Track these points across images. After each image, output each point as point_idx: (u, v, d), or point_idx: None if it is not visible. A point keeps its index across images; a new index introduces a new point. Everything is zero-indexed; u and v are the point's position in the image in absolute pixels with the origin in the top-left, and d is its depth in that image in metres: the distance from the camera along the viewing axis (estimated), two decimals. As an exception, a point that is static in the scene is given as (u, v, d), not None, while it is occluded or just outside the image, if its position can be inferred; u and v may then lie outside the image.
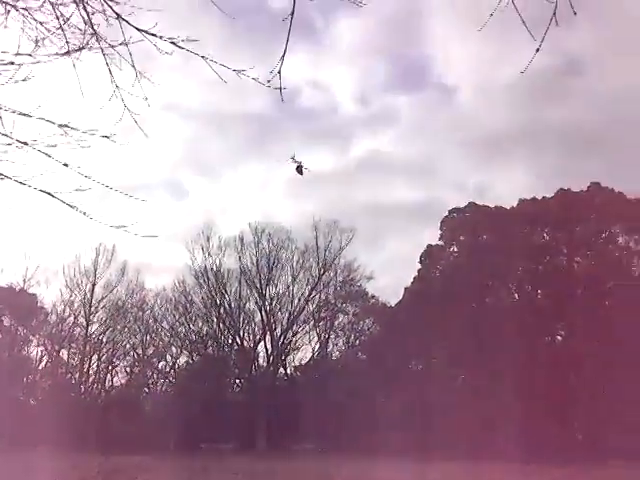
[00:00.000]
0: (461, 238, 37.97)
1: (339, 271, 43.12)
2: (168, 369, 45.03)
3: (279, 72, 2.56)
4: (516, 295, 35.87)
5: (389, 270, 79.97)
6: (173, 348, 44.70)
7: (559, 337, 34.39)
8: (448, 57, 68.68)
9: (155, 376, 44.91)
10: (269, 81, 2.63)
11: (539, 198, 37.07)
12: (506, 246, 33.82)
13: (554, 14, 2.07)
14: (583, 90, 68.17)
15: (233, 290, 43.58)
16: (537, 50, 2.25)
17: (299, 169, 3.32)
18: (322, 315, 42.95)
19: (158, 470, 24.24)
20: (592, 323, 30.35)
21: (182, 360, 44.98)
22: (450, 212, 39.01)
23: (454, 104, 71.64)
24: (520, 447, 27.58)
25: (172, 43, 3.15)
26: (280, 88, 2.65)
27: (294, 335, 43.00)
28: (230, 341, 44.11)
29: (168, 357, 44.77)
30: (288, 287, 42.79)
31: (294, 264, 43.08)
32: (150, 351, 43.90)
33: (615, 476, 21.22)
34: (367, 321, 44.75)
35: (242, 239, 43.55)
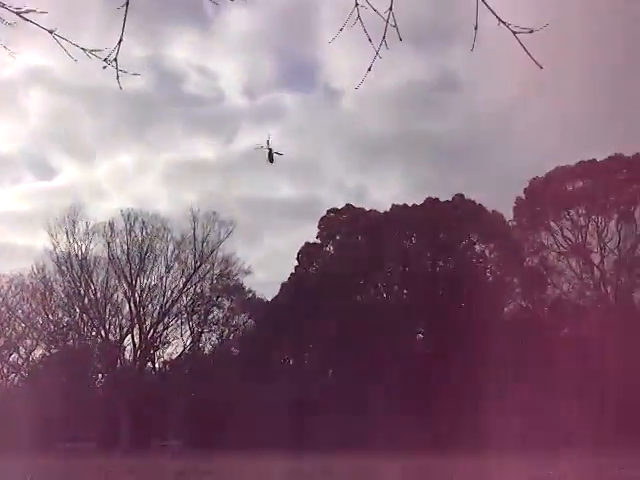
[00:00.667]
0: (337, 238, 39.34)
1: (216, 264, 42.52)
2: (21, 362, 41.47)
3: (115, 59, 2.47)
4: (385, 294, 37.94)
5: (267, 265, 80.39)
6: (28, 340, 41.26)
7: (420, 335, 36.92)
8: (335, 61, 70.68)
9: (5, 370, 41.12)
10: (106, 60, 2.51)
11: (410, 205, 39.53)
12: (378, 248, 35.62)
13: (385, 31, 2.20)
14: (456, 105, 73.73)
15: (100, 279, 41.20)
16: (369, 69, 2.31)
17: (270, 155, 3.17)
18: (196, 309, 42.07)
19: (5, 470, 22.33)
20: (450, 322, 32.95)
21: (38, 353, 41.69)
22: (328, 212, 40.30)
23: (339, 108, 73.72)
24: (382, 438, 29.54)
25: (17, 14, 2.94)
26: (117, 75, 2.56)
27: (165, 328, 41.67)
28: (94, 333, 41.64)
29: (22, 349, 41.23)
30: (161, 278, 41.36)
31: (168, 255, 41.73)
32: (0, 342, 40.13)
33: (472, 466, 23.17)
34: (242, 316, 44.61)
35: (112, 226, 41.32)
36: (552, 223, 41.47)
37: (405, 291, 35.77)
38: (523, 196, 44.13)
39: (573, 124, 77.76)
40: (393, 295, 37.19)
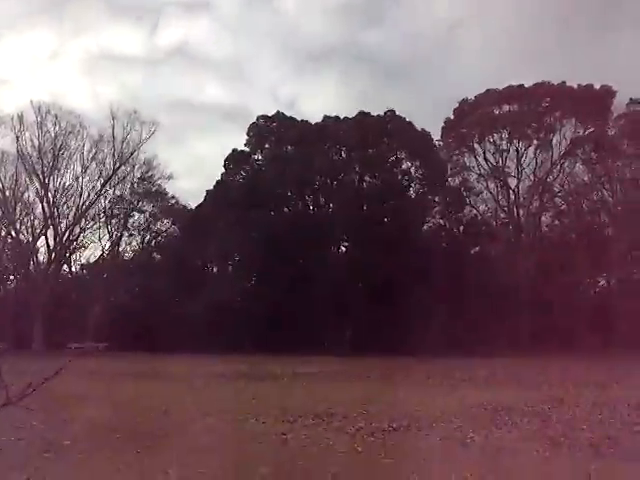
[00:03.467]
0: (266, 146, 38.43)
1: (137, 167, 40.63)
2: None
3: None
4: (311, 206, 38.11)
5: (191, 171, 78.05)
6: None
7: (343, 248, 37.84)
8: (273, -44, 65.61)
9: None
10: None
11: (341, 117, 38.99)
12: (307, 159, 35.25)
13: None
14: (399, 20, 71.78)
15: (8, 176, 38.30)
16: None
17: None
18: (115, 212, 40.46)
19: None
20: (373, 236, 33.88)
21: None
22: (258, 118, 39.01)
23: (278, 9, 69.55)
24: (301, 343, 31.18)
25: None
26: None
27: (82, 231, 39.95)
28: (3, 233, 39.26)
29: None
30: (77, 179, 39.09)
31: (85, 154, 39.25)
32: None
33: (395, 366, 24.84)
34: (165, 222, 43.58)
35: (22, 118, 37.97)
36: (476, 145, 42.72)
37: (332, 204, 36.06)
38: (452, 117, 44.81)
39: (511, 49, 78.36)
40: (320, 208, 37.43)
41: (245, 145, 38.80)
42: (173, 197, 43.08)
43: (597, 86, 40.53)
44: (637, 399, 12.70)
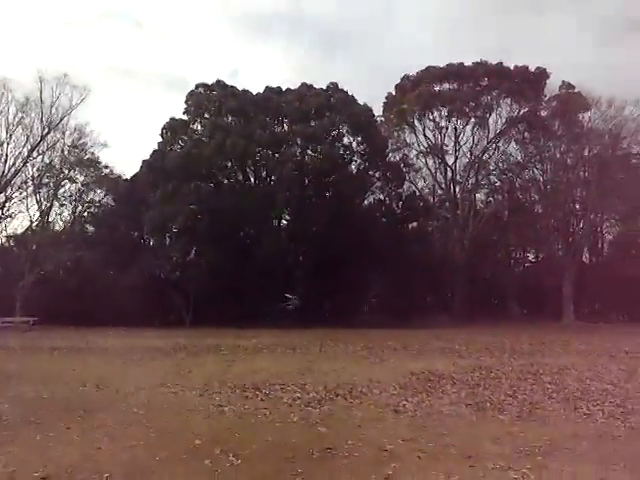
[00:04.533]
0: (206, 116, 37.36)
1: (68, 133, 38.49)
2: None
3: None
4: (252, 179, 37.59)
5: (127, 140, 75.13)
6: None
7: (285, 221, 37.70)
8: None
9: None
10: None
11: (284, 89, 38.41)
12: (248, 131, 34.60)
13: None
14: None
15: None
16: None
17: None
18: (44, 181, 38.40)
19: None
20: (314, 210, 33.91)
21: None
22: (197, 86, 37.74)
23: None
24: (242, 315, 31.27)
25: None
26: None
27: (7, 200, 37.72)
28: None
29: None
30: (1, 144, 36.66)
31: (10, 118, 36.76)
32: None
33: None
34: (99, 192, 41.88)
35: (-62, 78, 35.03)
36: (416, 122, 43.34)
37: (273, 177, 35.69)
38: (393, 93, 45.17)
39: (453, 27, 79.26)
40: (262, 180, 36.98)
41: (183, 114, 37.59)
42: (107, 166, 41.37)
43: (532, 67, 41.93)
44: (558, 366, 13.57)
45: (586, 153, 40.42)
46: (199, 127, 37.63)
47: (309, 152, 35.66)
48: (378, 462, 5.71)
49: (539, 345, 20.29)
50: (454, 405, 8.69)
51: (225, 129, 35.05)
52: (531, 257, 50.65)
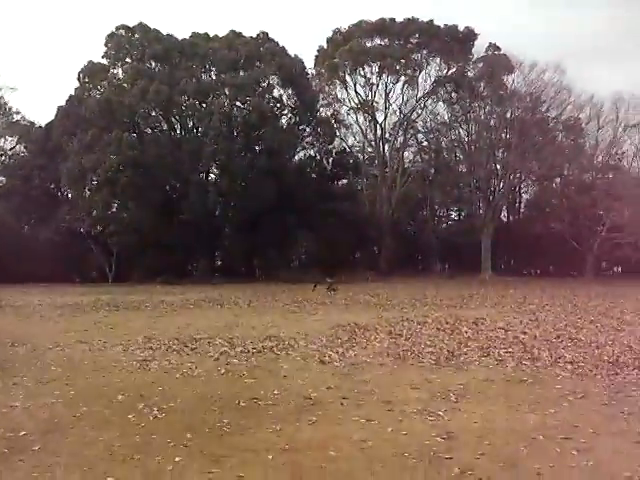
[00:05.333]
0: (127, 60, 35.18)
1: (-29, 74, 35.20)
2: None
3: None
4: (178, 130, 36.16)
5: (39, 84, 69.74)
6: None
7: (212, 175, 36.80)
8: None
9: None
10: None
11: (211, 35, 36.77)
12: (173, 78, 33.03)
13: None
14: None
15: None
16: None
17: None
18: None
19: None
20: (244, 163, 33.24)
21: None
22: (117, 28, 35.22)
23: None
24: (168, 271, 30.64)
25: None
26: None
27: None
28: None
29: None
30: None
31: None
32: None
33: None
34: (10, 139, 38.99)
35: None
36: (348, 77, 43.00)
37: (200, 129, 34.47)
38: (325, 46, 44.39)
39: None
40: (188, 132, 35.63)
41: (103, 57, 35.19)
42: (18, 112, 38.38)
43: (461, 27, 42.40)
44: (475, 317, 14.37)
45: (508, 115, 41.87)
46: (120, 72, 35.48)
47: (238, 103, 34.63)
48: (303, 410, 5.86)
49: (458, 298, 21.36)
50: (377, 355, 9.02)
51: (148, 75, 33.25)
52: (454, 215, 52.64)
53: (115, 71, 35.51)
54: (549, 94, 40.73)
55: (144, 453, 4.62)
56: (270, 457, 4.54)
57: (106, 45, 35.11)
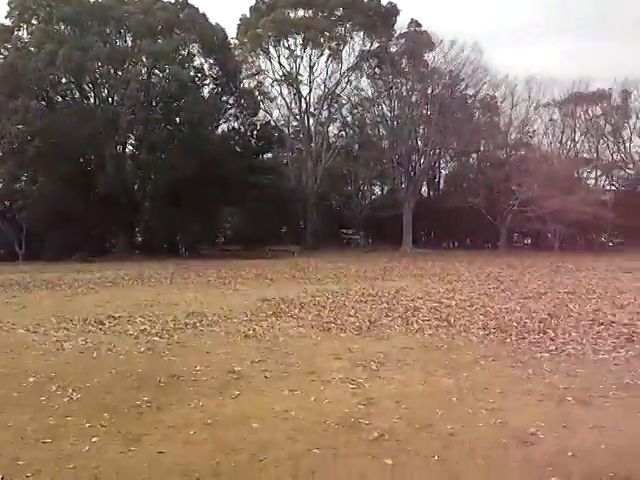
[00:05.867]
0: (33, 22, 32.57)
1: None
2: None
3: None
4: (92, 98, 34.13)
5: None
6: None
7: (130, 147, 35.24)
8: None
9: None
10: None
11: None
12: (85, 43, 31.00)
13: None
14: None
15: None
16: None
17: None
18: None
19: None
20: (163, 135, 32.02)
21: None
22: (23, -13, 32.44)
23: None
24: (84, 247, 29.28)
25: None
26: None
27: None
28: None
29: None
30: None
31: None
32: None
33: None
34: None
35: None
36: (272, 48, 42.23)
37: (116, 98, 32.70)
38: (248, 15, 43.24)
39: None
40: (103, 101, 33.69)
41: (6, 18, 32.35)
42: None
43: (384, 2, 42.63)
44: (395, 289, 14.85)
45: (429, 92, 42.90)
46: (25, 35, 32.81)
47: (156, 72, 33.13)
48: (226, 384, 5.83)
49: (380, 271, 21.96)
50: (301, 327, 9.12)
51: (57, 39, 30.97)
52: (378, 190, 53.69)
53: (20, 33, 32.83)
54: (467, 72, 42.07)
55: (58, 435, 4.43)
56: (192, 432, 4.49)
57: (9, 5, 32.28)
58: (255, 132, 40.01)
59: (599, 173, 47.68)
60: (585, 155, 47.46)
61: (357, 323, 9.42)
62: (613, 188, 46.88)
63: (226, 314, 10.55)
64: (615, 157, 47.14)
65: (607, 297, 12.94)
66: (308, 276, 19.47)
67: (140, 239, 38.54)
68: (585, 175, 47.33)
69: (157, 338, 8.36)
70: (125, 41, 34.14)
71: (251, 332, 8.73)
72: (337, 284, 16.60)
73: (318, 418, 4.75)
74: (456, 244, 49.91)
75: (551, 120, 47.43)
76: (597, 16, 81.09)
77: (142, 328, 9.15)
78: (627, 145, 46.73)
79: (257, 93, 40.80)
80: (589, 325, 9.10)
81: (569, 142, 47.67)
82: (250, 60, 42.17)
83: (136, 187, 34.93)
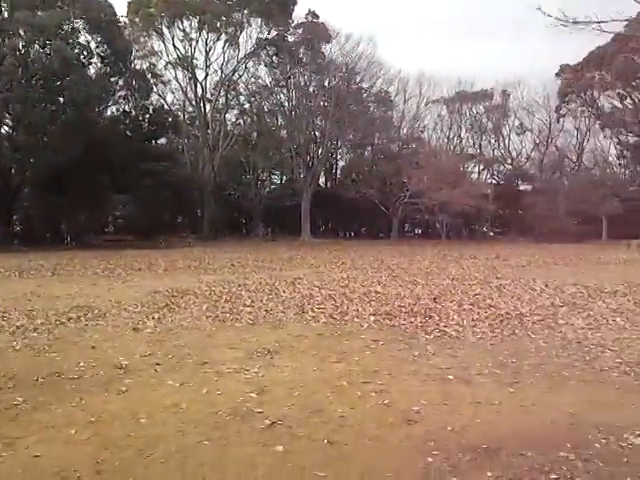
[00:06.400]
0: None
1: None
2: None
3: None
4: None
5: None
6: None
7: (7, 127, 32.28)
8: None
9: None
10: None
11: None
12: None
13: None
14: None
15: None
16: None
17: None
18: None
19: None
20: (45, 117, 29.66)
21: None
22: None
23: None
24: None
25: None
26: None
27: None
28: None
29: None
30: None
31: None
32: None
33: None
34: None
35: None
36: (165, 29, 40.56)
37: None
38: (140, -8, 41.08)
39: None
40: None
41: None
42: None
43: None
44: (293, 278, 14.98)
45: (326, 84, 43.53)
46: None
47: (36, 47, 30.49)
48: (112, 380, 5.55)
49: (279, 260, 22.05)
50: (195, 319, 8.91)
51: None
52: (277, 179, 53.74)
53: None
54: (362, 66, 43.20)
55: None
56: (73, 432, 4.23)
57: None
58: (147, 116, 38.30)
59: (482, 167, 51.31)
60: (470, 150, 50.86)
61: (253, 313, 9.38)
62: (494, 182, 50.67)
63: (114, 307, 10.04)
64: (496, 153, 50.96)
65: (486, 282, 13.98)
66: (204, 266, 19.07)
67: (19, 228, 35.57)
68: (470, 169, 50.69)
69: (36, 334, 7.77)
70: (0, 12, 31.07)
71: (141, 325, 8.38)
72: (234, 274, 16.42)
73: (210, 410, 4.68)
74: (352, 234, 51.38)
75: (439, 116, 50.24)
76: (485, 17, 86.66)
77: (19, 324, 8.45)
78: (506, 142, 50.73)
79: (149, 75, 39.06)
80: (469, 309, 9.77)
81: (455, 138, 50.78)
82: (142, 40, 40.23)
83: (13, 171, 32.09)
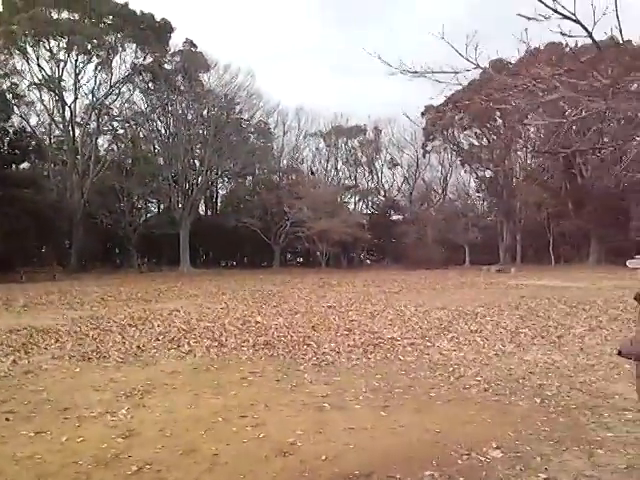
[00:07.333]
0: None
1: None
2: None
3: None
4: None
5: None
6: None
7: None
8: None
9: None
10: None
11: None
12: None
13: None
14: None
15: None
16: None
17: None
18: None
19: None
20: None
21: None
22: None
23: None
24: None
25: None
26: None
27: None
28: None
29: None
30: None
31: None
32: None
33: None
34: None
35: None
36: (29, 48, 37.90)
37: None
38: (1, 8, 38.18)
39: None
40: None
41: None
42: None
43: (158, 18, 41.73)
44: (169, 310, 14.39)
45: (205, 113, 43.18)
46: None
47: None
48: (-49, 436, 4.89)
49: (155, 292, 21.09)
50: (57, 359, 8.19)
51: None
52: (154, 207, 51.73)
53: None
54: (242, 97, 43.55)
55: None
56: None
57: None
58: (7, 139, 35.22)
59: (357, 198, 53.72)
60: (346, 182, 53.10)
61: (123, 350, 8.83)
62: (369, 212, 53.21)
63: (-40, 351, 8.92)
64: (370, 185, 53.70)
65: (361, 309, 14.49)
66: (70, 301, 17.67)
67: None
68: (346, 200, 52.79)
69: None
70: None
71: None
72: (104, 309, 15.40)
73: (69, 460, 4.28)
74: (234, 263, 50.79)
75: (317, 149, 52.04)
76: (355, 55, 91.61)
77: None
78: (379, 175, 53.73)
79: (10, 96, 36.09)
80: (346, 334, 10.04)
81: (333, 170, 52.80)
82: (2, 59, 37.18)
83: None
